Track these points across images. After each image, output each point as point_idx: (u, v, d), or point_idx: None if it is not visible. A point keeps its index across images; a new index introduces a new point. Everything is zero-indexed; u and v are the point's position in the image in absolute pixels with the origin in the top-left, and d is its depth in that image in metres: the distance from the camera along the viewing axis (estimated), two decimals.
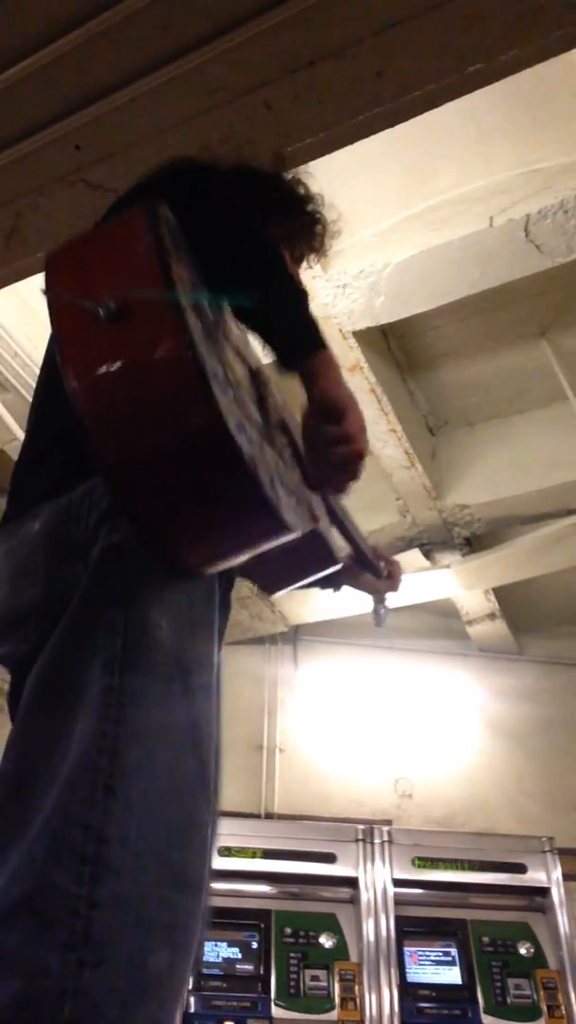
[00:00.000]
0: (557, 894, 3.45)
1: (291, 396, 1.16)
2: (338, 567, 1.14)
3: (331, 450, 0.99)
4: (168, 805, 0.85)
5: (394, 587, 1.54)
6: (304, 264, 1.41)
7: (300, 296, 1.06)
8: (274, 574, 1.11)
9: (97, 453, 0.83)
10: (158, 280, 0.81)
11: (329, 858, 3.48)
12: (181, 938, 0.83)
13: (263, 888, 3.48)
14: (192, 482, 0.83)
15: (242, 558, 0.95)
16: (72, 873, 0.77)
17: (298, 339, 1.03)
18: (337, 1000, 3.16)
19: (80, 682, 0.87)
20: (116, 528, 0.92)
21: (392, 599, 1.57)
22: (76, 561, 0.92)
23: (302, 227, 1.38)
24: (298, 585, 1.16)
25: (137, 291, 0.81)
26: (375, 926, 3.31)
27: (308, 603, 4.05)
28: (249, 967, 3.27)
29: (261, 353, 1.13)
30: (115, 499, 0.89)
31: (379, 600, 1.58)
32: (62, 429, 1.01)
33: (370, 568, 1.46)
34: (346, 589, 1.49)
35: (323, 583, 1.45)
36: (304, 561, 1.09)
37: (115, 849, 0.79)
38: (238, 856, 3.47)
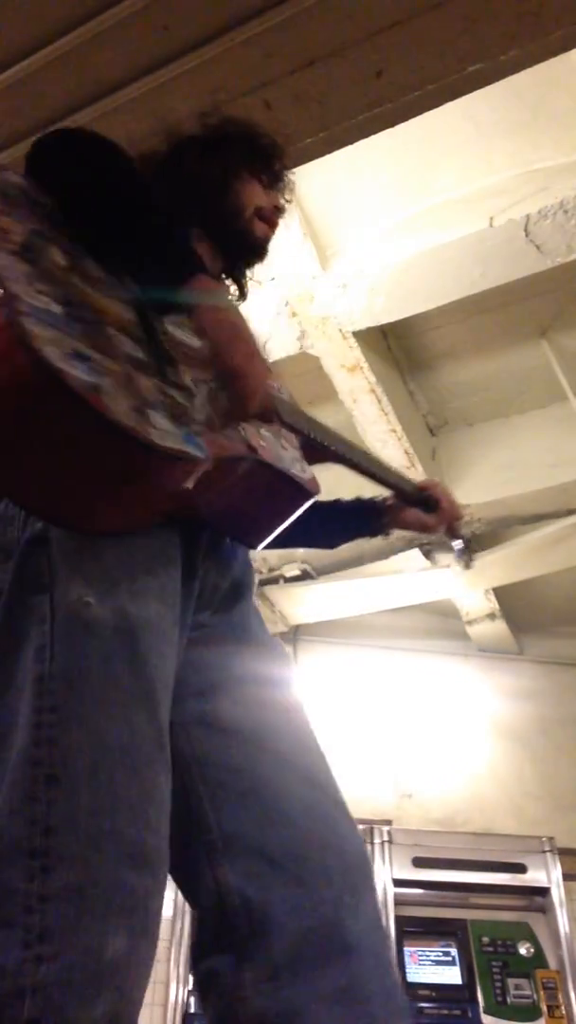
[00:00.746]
0: (557, 894, 3.45)
1: None
2: (311, 499, 1.05)
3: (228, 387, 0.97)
4: (121, 780, 0.82)
5: (447, 517, 1.39)
6: (280, 193, 1.34)
7: (161, 233, 0.99)
8: (240, 521, 1.02)
9: None
10: None
11: None
12: (140, 921, 0.80)
13: None
14: (33, 427, 0.78)
15: (149, 498, 0.88)
16: (22, 870, 0.76)
17: (163, 279, 0.97)
18: None
19: (18, 678, 0.86)
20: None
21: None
22: (8, 560, 0.92)
23: (252, 153, 1.30)
24: (283, 527, 1.05)
25: None
26: None
27: (308, 603, 4.05)
28: None
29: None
30: None
31: (449, 536, 1.42)
32: None
33: (414, 502, 1.36)
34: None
35: (365, 531, 1.39)
36: (265, 499, 1.00)
37: (64, 837, 0.77)
38: None
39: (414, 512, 1.39)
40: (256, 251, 1.27)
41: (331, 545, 1.55)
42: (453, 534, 1.44)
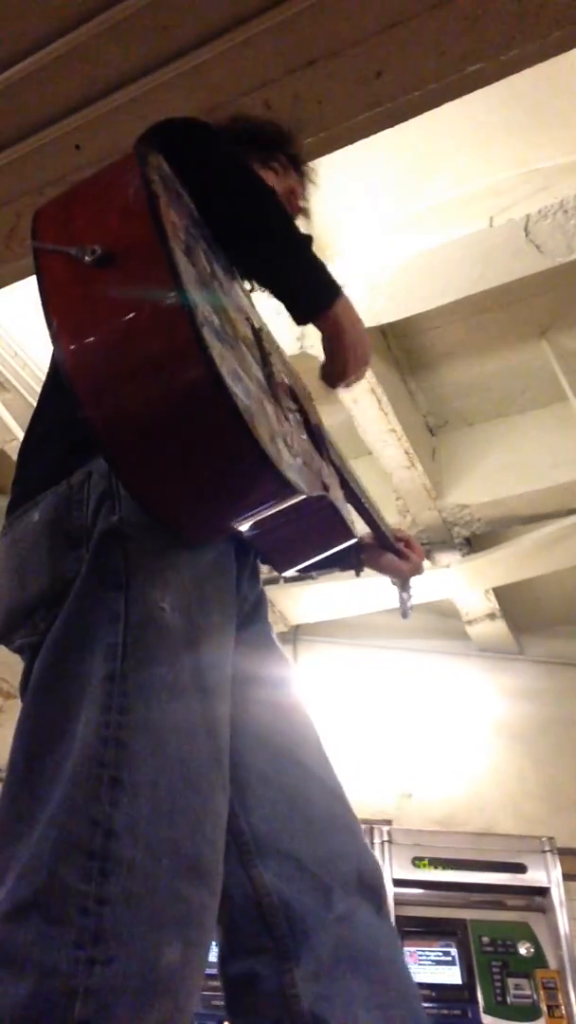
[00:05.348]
0: (557, 894, 3.45)
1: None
2: (354, 541, 1.08)
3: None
4: (181, 794, 0.81)
5: (417, 570, 1.45)
6: (296, 176, 1.43)
7: (303, 243, 1.04)
8: (287, 548, 1.03)
9: (85, 411, 0.76)
10: (146, 221, 0.76)
11: None
12: (195, 933, 0.79)
13: None
14: (186, 435, 0.76)
15: (246, 521, 0.88)
16: (79, 869, 0.75)
17: (306, 293, 1.06)
18: None
19: (82, 671, 0.84)
20: (114, 509, 0.90)
21: (416, 587, 1.49)
22: (79, 547, 0.91)
23: (260, 148, 1.38)
24: (314, 561, 1.07)
25: (124, 233, 0.77)
26: None
27: (308, 603, 4.05)
28: None
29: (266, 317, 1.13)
30: (107, 461, 0.84)
31: (403, 587, 1.50)
32: (62, 414, 1.01)
33: (391, 549, 1.40)
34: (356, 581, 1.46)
35: (343, 564, 1.40)
36: (317, 534, 1.02)
37: (125, 842, 0.76)
38: None
39: (389, 558, 1.42)
40: None
41: (307, 570, 1.61)
42: (406, 588, 1.51)
